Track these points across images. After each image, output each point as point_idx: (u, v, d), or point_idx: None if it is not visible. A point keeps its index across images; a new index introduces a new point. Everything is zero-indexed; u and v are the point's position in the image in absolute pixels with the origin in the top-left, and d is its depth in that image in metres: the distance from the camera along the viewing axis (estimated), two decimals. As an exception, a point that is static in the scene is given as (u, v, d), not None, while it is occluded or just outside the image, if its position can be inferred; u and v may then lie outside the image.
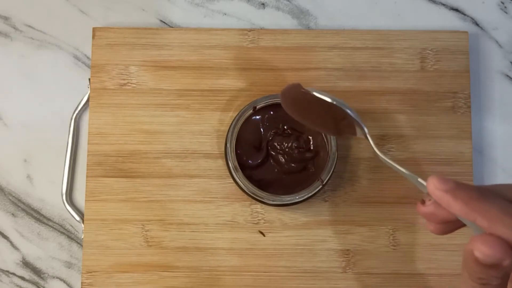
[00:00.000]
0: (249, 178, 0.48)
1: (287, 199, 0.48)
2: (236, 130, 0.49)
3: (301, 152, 0.49)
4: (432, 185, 0.31)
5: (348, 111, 0.43)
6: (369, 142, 0.42)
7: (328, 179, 0.48)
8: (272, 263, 0.51)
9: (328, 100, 0.43)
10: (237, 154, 0.49)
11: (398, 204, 0.52)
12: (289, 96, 0.46)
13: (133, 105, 0.53)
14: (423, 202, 0.34)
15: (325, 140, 0.49)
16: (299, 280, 0.51)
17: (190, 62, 0.53)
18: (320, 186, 0.48)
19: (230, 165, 0.48)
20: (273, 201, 0.48)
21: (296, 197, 0.48)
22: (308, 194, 0.48)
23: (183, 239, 0.51)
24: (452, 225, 0.33)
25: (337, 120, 0.45)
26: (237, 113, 0.50)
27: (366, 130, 0.43)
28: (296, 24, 0.56)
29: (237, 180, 0.48)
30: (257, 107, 0.49)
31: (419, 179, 0.34)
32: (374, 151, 0.41)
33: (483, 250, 0.28)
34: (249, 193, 0.48)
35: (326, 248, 0.51)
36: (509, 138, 0.55)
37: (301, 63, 0.54)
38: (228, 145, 0.48)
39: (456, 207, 0.30)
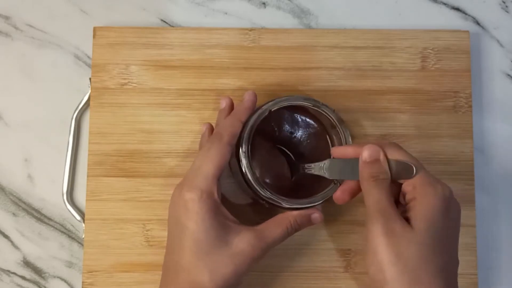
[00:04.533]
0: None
1: (305, 201, 0.46)
2: (252, 133, 0.46)
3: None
4: (333, 149, 0.46)
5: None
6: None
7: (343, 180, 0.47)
8: (274, 262, 0.51)
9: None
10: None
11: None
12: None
13: (134, 104, 0.53)
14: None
15: (329, 142, 0.49)
16: (301, 280, 0.51)
17: (191, 61, 0.53)
18: (338, 187, 0.47)
19: (246, 169, 0.46)
20: (291, 204, 0.46)
21: (314, 200, 0.46)
22: (326, 196, 0.46)
23: (184, 238, 0.51)
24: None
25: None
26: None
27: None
28: (297, 24, 0.56)
29: (255, 185, 0.46)
30: (273, 110, 0.47)
31: (329, 159, 0.46)
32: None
33: (367, 149, 0.42)
34: (265, 197, 0.46)
35: (327, 247, 0.51)
36: (510, 137, 0.55)
37: (302, 62, 0.53)
38: (244, 148, 0.46)
39: (349, 150, 0.45)
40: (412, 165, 0.41)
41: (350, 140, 0.48)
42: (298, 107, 0.49)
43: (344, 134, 0.47)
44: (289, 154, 0.50)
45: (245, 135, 0.46)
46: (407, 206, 0.41)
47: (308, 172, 0.47)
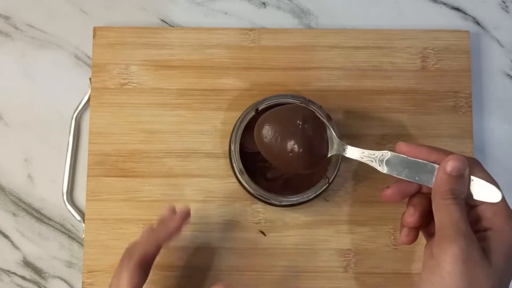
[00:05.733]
0: (252, 178, 0.48)
1: (294, 199, 0.47)
2: (240, 132, 0.48)
3: None
4: (401, 144, 0.42)
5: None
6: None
7: (334, 177, 0.48)
8: (273, 262, 0.51)
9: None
10: (241, 156, 0.48)
11: (399, 203, 0.51)
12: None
13: (134, 104, 0.53)
14: (387, 187, 0.43)
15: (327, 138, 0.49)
16: (300, 280, 0.51)
17: (191, 61, 0.53)
18: (327, 185, 0.47)
19: (235, 167, 0.48)
20: (280, 202, 0.48)
21: (304, 197, 0.47)
22: (314, 193, 0.47)
23: (184, 238, 0.51)
24: (416, 213, 0.42)
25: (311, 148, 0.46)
26: (238, 113, 0.50)
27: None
28: (297, 24, 0.56)
29: (243, 182, 0.48)
30: (260, 108, 0.49)
31: (387, 151, 0.43)
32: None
33: (455, 158, 0.39)
34: (255, 194, 0.48)
35: (327, 247, 0.51)
36: (510, 137, 0.55)
37: (302, 62, 0.53)
38: (232, 147, 0.48)
39: (422, 150, 0.41)
40: (499, 190, 0.38)
41: (336, 136, 0.46)
42: None
43: (332, 130, 0.46)
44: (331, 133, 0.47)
45: (233, 134, 0.48)
46: (481, 233, 0.39)
47: (351, 156, 0.45)
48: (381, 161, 0.43)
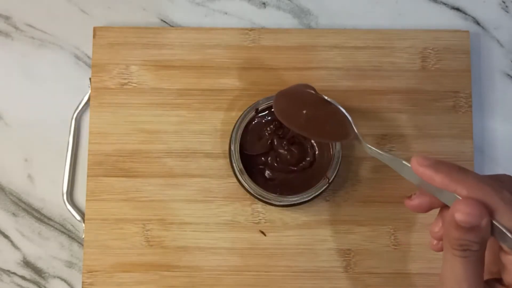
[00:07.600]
0: (252, 177, 0.48)
1: (294, 199, 0.48)
2: (240, 132, 0.48)
3: (299, 159, 0.49)
4: (416, 162, 0.34)
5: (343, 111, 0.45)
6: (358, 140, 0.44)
7: (334, 177, 0.48)
8: (273, 262, 0.51)
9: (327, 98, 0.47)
10: (241, 156, 0.48)
11: (399, 203, 0.52)
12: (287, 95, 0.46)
13: (134, 104, 0.53)
14: (409, 196, 0.37)
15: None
16: (300, 280, 0.51)
17: (191, 61, 0.53)
18: (327, 185, 0.48)
19: (235, 167, 0.48)
20: (280, 202, 0.48)
21: (304, 197, 0.47)
22: (314, 193, 0.47)
23: (184, 238, 0.51)
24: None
25: (327, 125, 0.45)
26: (238, 113, 0.50)
27: (356, 131, 0.44)
28: (297, 24, 0.56)
29: (243, 182, 0.48)
30: (259, 108, 0.49)
31: (403, 161, 0.37)
32: (364, 146, 0.43)
33: (464, 211, 0.30)
34: (255, 195, 0.48)
35: (327, 247, 0.51)
36: (510, 138, 0.55)
37: (302, 62, 0.53)
38: (232, 147, 0.48)
39: (438, 179, 0.33)
40: None
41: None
42: None
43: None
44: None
45: (233, 134, 0.48)
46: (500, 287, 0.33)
47: (370, 153, 0.42)
48: (401, 169, 0.37)
